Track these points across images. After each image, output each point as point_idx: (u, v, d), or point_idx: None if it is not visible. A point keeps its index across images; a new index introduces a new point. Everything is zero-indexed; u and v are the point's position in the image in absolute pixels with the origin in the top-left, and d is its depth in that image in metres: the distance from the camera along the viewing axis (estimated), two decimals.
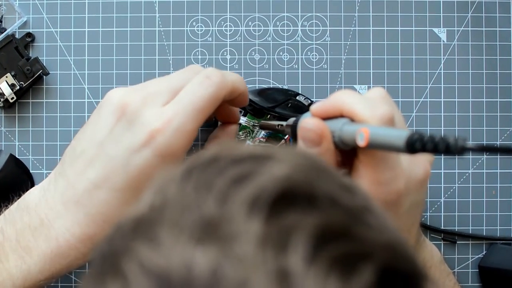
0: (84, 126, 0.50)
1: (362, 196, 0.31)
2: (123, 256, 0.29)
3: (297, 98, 0.57)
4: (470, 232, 0.61)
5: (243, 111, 0.57)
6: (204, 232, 0.28)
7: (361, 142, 0.40)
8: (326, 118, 0.44)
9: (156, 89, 0.48)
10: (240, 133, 0.57)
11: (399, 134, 0.38)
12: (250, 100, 0.55)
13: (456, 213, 0.61)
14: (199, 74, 0.48)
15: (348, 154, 0.44)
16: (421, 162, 0.44)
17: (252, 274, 0.26)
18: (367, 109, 0.42)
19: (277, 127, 0.51)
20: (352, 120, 0.42)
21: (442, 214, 0.61)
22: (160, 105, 0.47)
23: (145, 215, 0.30)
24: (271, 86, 0.60)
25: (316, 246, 0.27)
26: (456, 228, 0.61)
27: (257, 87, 0.60)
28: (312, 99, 0.58)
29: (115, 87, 0.58)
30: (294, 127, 0.47)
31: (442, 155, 0.36)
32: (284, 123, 0.50)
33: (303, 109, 0.56)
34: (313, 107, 0.44)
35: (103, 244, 0.31)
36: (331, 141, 0.42)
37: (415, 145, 0.37)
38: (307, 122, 0.43)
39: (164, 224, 0.29)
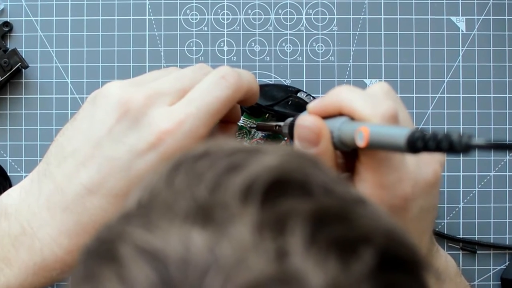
0: (74, 121, 0.47)
1: (353, 190, 0.32)
2: (117, 241, 0.29)
3: (298, 95, 0.57)
4: (492, 241, 0.60)
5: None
6: (199, 216, 0.29)
7: (361, 142, 0.39)
8: (325, 116, 0.43)
9: (162, 87, 0.46)
10: (237, 134, 0.57)
11: (400, 132, 0.37)
12: None
13: (476, 220, 0.60)
14: (213, 73, 0.46)
15: (349, 156, 0.44)
16: (429, 163, 0.43)
17: (251, 252, 0.27)
18: (367, 106, 0.41)
19: (275, 128, 0.50)
20: (352, 118, 0.41)
21: (461, 221, 0.60)
22: (167, 106, 0.45)
23: (133, 210, 0.31)
24: (269, 82, 0.59)
25: (314, 229, 0.28)
26: (476, 236, 0.60)
27: (257, 82, 0.57)
28: (314, 96, 0.58)
29: (101, 81, 0.59)
30: (291, 127, 0.46)
31: (447, 154, 0.36)
32: (282, 123, 0.49)
33: (304, 106, 0.54)
34: (310, 105, 0.44)
35: (90, 244, 0.31)
36: (330, 141, 0.42)
37: (416, 143, 0.36)
38: (304, 120, 0.43)
39: (156, 211, 0.30)
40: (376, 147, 0.39)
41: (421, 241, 0.45)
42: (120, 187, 0.45)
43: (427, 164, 0.43)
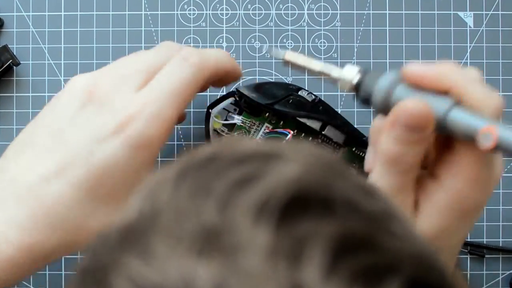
0: (36, 117, 0.47)
1: (384, 200, 0.30)
2: (111, 272, 0.27)
3: (299, 93, 0.56)
4: (500, 244, 0.59)
5: (238, 109, 0.56)
6: (205, 243, 0.26)
7: (486, 143, 0.37)
8: (417, 87, 0.41)
9: (128, 72, 0.47)
10: (235, 134, 0.57)
11: None
12: (246, 96, 0.55)
13: (485, 223, 0.59)
14: (176, 56, 0.47)
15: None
16: (500, 166, 0.43)
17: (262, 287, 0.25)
18: (482, 95, 0.40)
19: (320, 75, 0.45)
20: (458, 102, 0.40)
21: None
22: (133, 90, 0.46)
23: (133, 223, 0.29)
24: (270, 79, 0.59)
25: (335, 257, 0.25)
26: (484, 240, 0.59)
27: (257, 80, 0.60)
28: (316, 94, 0.57)
29: None
30: (367, 91, 0.42)
31: None
32: (333, 68, 0.43)
33: (305, 105, 0.56)
34: (409, 69, 0.41)
35: (85, 258, 0.30)
36: (433, 127, 0.40)
37: None
38: (413, 106, 0.39)
39: (157, 234, 0.27)
40: (499, 150, 0.38)
41: (456, 252, 0.45)
42: (80, 175, 0.44)
43: (499, 167, 0.43)
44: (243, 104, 0.55)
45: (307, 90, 0.57)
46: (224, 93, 0.56)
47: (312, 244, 0.26)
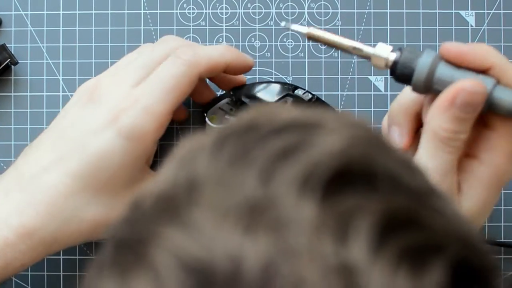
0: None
1: (424, 176, 0.30)
2: (150, 244, 0.26)
3: (296, 92, 0.56)
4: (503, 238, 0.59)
5: (234, 109, 0.57)
6: (250, 218, 0.26)
7: None
8: (453, 65, 0.43)
9: (126, 70, 0.50)
10: None
11: None
12: (241, 99, 0.55)
13: (487, 224, 0.59)
14: (171, 56, 0.50)
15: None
16: None
17: (310, 271, 0.24)
18: None
19: (352, 50, 0.45)
20: (498, 82, 0.43)
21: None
22: (130, 86, 0.49)
23: (170, 193, 0.28)
24: (268, 79, 0.59)
25: (381, 235, 0.25)
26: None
27: (257, 79, 0.59)
28: (313, 93, 0.57)
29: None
30: (407, 68, 0.43)
31: None
32: (363, 46, 0.45)
33: (302, 105, 0.56)
34: (449, 47, 0.43)
35: (119, 227, 0.28)
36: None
37: None
38: (472, 85, 0.42)
39: (200, 206, 0.26)
40: None
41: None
42: (76, 166, 0.47)
43: None
44: (239, 105, 0.55)
45: (304, 89, 0.57)
46: (219, 94, 0.57)
47: (358, 220, 0.25)
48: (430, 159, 0.43)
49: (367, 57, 0.45)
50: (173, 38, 0.53)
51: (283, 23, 0.49)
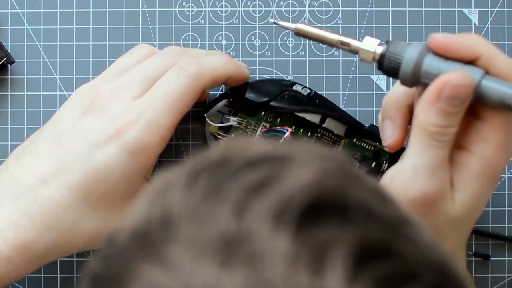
0: (43, 126, 0.50)
1: (397, 205, 0.30)
2: (128, 281, 0.27)
3: (294, 88, 0.57)
4: (506, 246, 0.59)
5: (232, 111, 0.57)
6: (226, 252, 0.26)
7: None
8: (441, 57, 0.42)
9: (128, 80, 0.49)
10: (232, 136, 0.57)
11: None
12: (240, 96, 0.55)
13: (490, 225, 0.59)
14: (174, 66, 0.49)
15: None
16: None
17: None
18: (510, 65, 0.42)
19: (339, 44, 0.46)
20: (487, 72, 0.42)
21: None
22: (132, 98, 0.48)
23: (144, 229, 0.28)
24: (267, 78, 0.59)
25: (356, 265, 0.26)
26: (490, 242, 0.59)
27: (257, 77, 0.60)
28: (311, 88, 0.57)
29: (92, 77, 0.58)
30: (393, 62, 0.43)
31: None
32: (350, 41, 0.45)
33: (301, 100, 0.56)
34: (435, 38, 0.43)
35: (95, 263, 0.29)
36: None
37: None
38: (457, 78, 0.41)
39: (176, 242, 0.27)
40: None
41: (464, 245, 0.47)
42: (76, 179, 0.47)
43: None
44: (238, 104, 0.56)
45: (301, 84, 0.57)
46: (217, 95, 0.57)
47: (333, 252, 0.26)
48: (421, 155, 0.42)
49: (355, 51, 0.45)
50: (177, 48, 0.53)
51: (271, 20, 0.50)
